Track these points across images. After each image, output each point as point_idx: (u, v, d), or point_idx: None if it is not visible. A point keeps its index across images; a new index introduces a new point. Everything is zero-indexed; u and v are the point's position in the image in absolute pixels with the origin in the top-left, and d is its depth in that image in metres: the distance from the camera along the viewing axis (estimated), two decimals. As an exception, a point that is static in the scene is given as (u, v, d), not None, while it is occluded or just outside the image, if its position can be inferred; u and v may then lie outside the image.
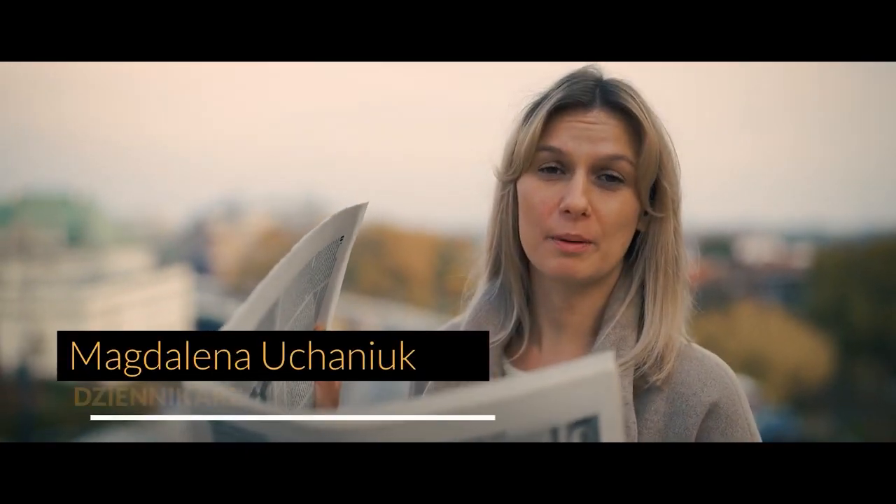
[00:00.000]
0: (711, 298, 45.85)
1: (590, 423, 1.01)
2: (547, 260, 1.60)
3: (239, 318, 1.24)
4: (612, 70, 1.67)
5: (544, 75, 1.68)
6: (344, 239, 1.53)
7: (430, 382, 1.69)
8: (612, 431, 1.02)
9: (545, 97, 1.64)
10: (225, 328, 1.21)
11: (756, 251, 65.23)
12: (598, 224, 1.58)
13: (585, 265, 1.59)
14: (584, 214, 1.56)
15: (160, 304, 50.28)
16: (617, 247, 1.61)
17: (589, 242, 1.58)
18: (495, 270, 1.73)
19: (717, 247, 63.98)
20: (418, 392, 1.80)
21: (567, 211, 1.57)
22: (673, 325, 1.63)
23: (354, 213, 1.53)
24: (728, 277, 55.89)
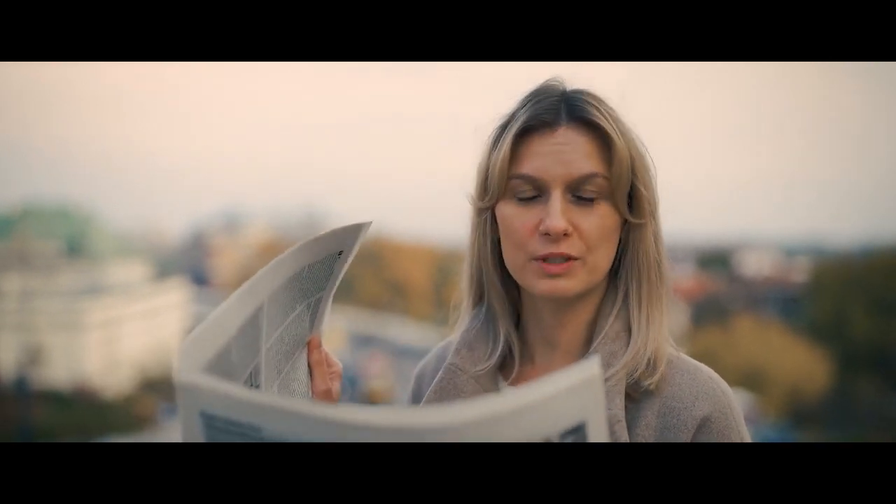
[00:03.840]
0: (710, 312, 45.82)
1: (578, 430, 1.01)
2: (534, 282, 1.60)
3: (218, 317, 1.21)
4: (608, 71, 1.66)
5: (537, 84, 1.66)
6: (343, 254, 1.52)
7: (425, 397, 1.69)
8: (600, 436, 1.03)
9: (511, 118, 1.62)
10: (200, 328, 1.18)
11: (755, 265, 65.20)
12: (581, 241, 1.57)
13: (574, 282, 1.58)
14: (564, 235, 1.56)
15: (159, 315, 50.24)
16: (603, 260, 1.60)
17: (574, 259, 1.57)
18: (479, 296, 1.72)
19: (717, 260, 63.95)
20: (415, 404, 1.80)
21: (547, 233, 1.56)
22: (660, 330, 1.62)
23: (356, 230, 1.51)
24: (727, 291, 55.86)
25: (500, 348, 1.69)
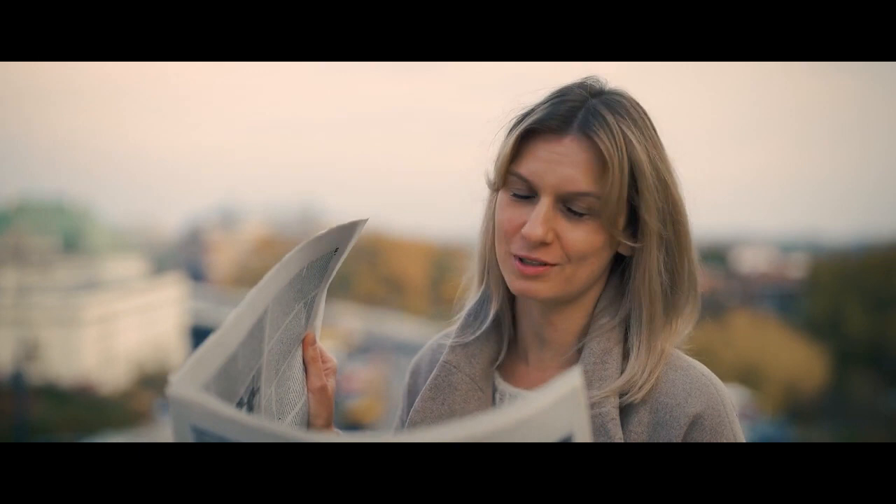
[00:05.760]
0: (706, 308, 45.56)
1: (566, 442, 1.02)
2: (510, 279, 1.60)
3: (229, 326, 1.22)
4: (608, 71, 1.64)
5: (539, 82, 1.65)
6: (338, 251, 1.53)
7: (416, 403, 1.68)
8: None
9: (528, 113, 1.60)
10: (214, 336, 1.19)
11: (752, 261, 65.27)
12: (562, 250, 1.56)
13: (547, 287, 1.57)
14: (543, 244, 1.55)
15: (155, 311, 50.22)
16: (583, 273, 1.58)
17: (551, 265, 1.56)
18: (482, 279, 1.73)
19: (713, 256, 63.93)
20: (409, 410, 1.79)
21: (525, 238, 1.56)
22: (661, 357, 1.59)
23: (352, 227, 1.51)
24: (724, 287, 55.88)
25: (483, 327, 1.69)
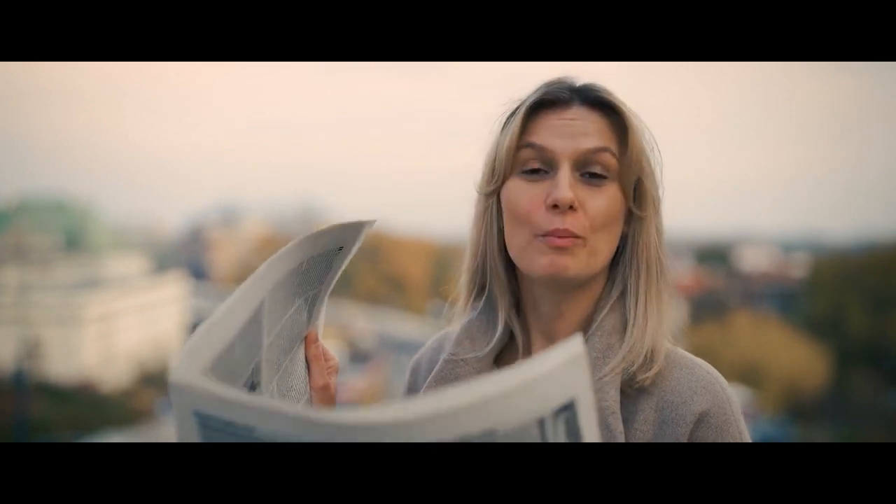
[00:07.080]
0: (708, 307, 45.88)
1: (570, 408, 1.02)
2: (536, 260, 1.58)
3: (221, 316, 1.21)
4: (608, 70, 1.66)
5: (537, 80, 1.67)
6: (343, 250, 1.52)
7: (423, 387, 1.68)
8: (589, 413, 1.04)
9: (523, 102, 1.63)
10: (205, 325, 1.18)
11: (753, 260, 65.30)
12: (586, 219, 1.56)
13: (575, 262, 1.57)
14: (571, 208, 1.55)
15: (157, 309, 50.24)
16: (604, 244, 1.59)
17: (578, 237, 1.56)
18: (481, 287, 1.71)
19: (715, 256, 64.03)
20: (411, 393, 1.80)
21: (555, 206, 1.55)
22: (659, 325, 1.61)
23: (359, 227, 1.51)
24: (725, 286, 55.93)
25: (497, 335, 1.69)
